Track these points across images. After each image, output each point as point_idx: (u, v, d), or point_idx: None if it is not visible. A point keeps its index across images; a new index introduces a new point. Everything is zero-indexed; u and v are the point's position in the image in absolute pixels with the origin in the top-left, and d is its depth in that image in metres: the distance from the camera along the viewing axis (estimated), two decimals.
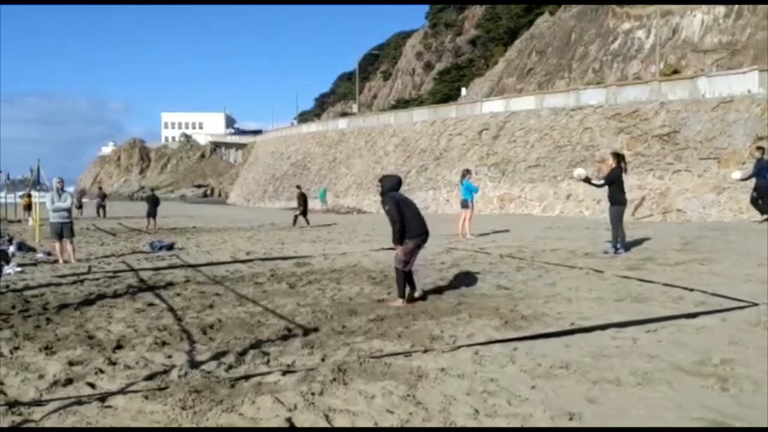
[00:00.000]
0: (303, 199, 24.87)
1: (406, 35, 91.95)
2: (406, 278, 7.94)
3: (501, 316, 6.94)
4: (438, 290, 8.76)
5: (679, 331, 6.04)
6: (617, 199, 12.11)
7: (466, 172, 17.77)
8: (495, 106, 36.05)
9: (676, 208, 23.98)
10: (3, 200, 34.07)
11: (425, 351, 5.54)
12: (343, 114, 74.16)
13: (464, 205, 17.10)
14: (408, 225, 7.81)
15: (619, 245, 12.05)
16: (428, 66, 75.47)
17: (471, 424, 3.93)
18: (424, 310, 7.38)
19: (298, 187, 28.16)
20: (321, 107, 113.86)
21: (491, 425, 3.91)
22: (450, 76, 63.38)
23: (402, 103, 65.74)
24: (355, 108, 76.00)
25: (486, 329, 6.36)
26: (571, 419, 3.94)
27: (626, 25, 38.98)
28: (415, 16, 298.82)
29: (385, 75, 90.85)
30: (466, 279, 9.61)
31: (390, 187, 8.04)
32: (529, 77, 46.17)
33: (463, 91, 55.88)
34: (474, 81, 57.05)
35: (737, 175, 18.95)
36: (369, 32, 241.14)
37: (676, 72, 32.32)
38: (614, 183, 12.08)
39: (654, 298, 7.75)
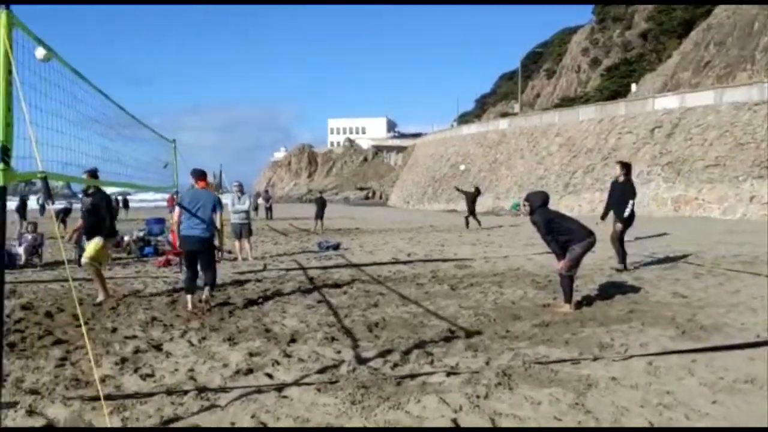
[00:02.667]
0: (472, 198, 24.59)
1: (571, 31, 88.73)
2: (572, 283, 7.71)
3: (677, 325, 6.52)
4: (607, 296, 8.39)
5: None
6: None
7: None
8: (669, 102, 33.97)
9: None
10: None
11: (594, 359, 5.33)
12: (504, 114, 73.10)
13: None
14: (571, 234, 7.67)
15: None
16: (595, 62, 72.44)
17: None
18: (593, 317, 7.10)
19: (476, 188, 27.63)
20: (481, 108, 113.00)
21: None
22: (618, 72, 60.42)
23: (567, 102, 63.56)
24: (516, 108, 74.75)
25: (661, 339, 6.01)
26: None
27: None
28: (581, 12, 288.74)
29: (549, 73, 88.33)
30: (637, 285, 9.13)
31: (539, 204, 7.85)
32: (707, 71, 42.87)
33: (633, 87, 53.04)
34: (645, 76, 53.96)
35: None
36: (532, 30, 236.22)
37: None
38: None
39: None
